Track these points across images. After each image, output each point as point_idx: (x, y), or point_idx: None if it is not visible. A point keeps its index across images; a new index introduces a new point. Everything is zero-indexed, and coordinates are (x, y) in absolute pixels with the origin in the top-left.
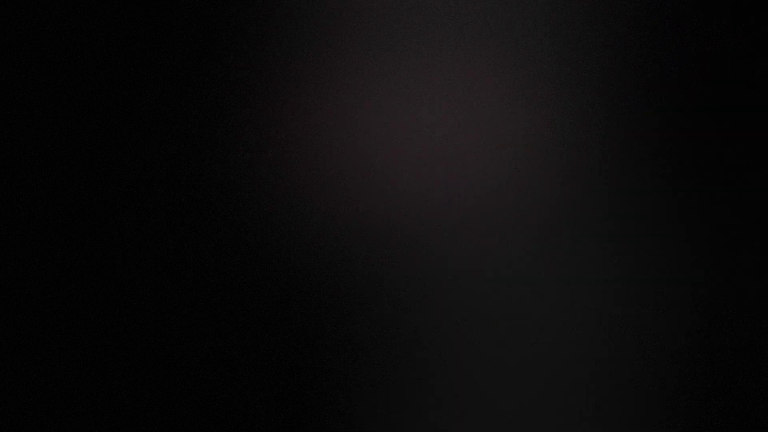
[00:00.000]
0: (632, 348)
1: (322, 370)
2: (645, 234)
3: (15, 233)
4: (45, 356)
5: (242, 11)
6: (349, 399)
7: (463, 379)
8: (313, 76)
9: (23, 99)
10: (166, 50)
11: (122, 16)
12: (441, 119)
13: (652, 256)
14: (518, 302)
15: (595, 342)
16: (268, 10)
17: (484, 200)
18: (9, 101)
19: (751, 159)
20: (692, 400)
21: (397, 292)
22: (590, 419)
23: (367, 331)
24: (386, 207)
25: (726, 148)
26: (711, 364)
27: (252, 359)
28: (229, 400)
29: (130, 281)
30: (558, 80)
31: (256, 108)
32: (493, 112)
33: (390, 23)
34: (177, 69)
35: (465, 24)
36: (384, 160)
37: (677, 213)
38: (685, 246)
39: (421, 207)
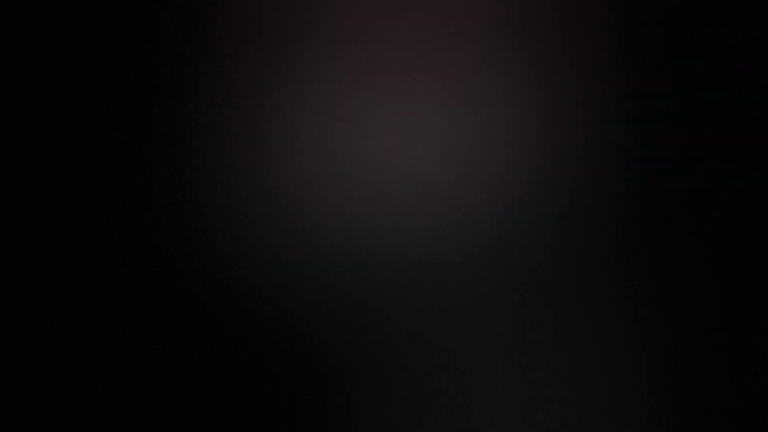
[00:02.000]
0: (631, 346)
1: (322, 370)
2: (643, 233)
3: (15, 233)
4: (45, 356)
5: (242, 10)
6: (349, 399)
7: (463, 380)
8: (312, 75)
9: (24, 98)
10: (166, 50)
11: (123, 15)
12: (441, 117)
13: (650, 255)
14: (516, 301)
15: (595, 343)
16: (268, 9)
17: (484, 200)
18: (9, 101)
19: (752, 159)
20: (692, 402)
21: (396, 290)
22: (590, 420)
23: (367, 331)
24: (386, 205)
25: (726, 148)
26: (711, 365)
27: (252, 359)
28: (229, 401)
29: (130, 281)
30: (555, 78)
31: (255, 107)
32: (493, 110)
33: (389, 22)
34: (177, 69)
35: (463, 21)
36: (384, 158)
37: (676, 213)
38: (683, 247)
39: (421, 205)
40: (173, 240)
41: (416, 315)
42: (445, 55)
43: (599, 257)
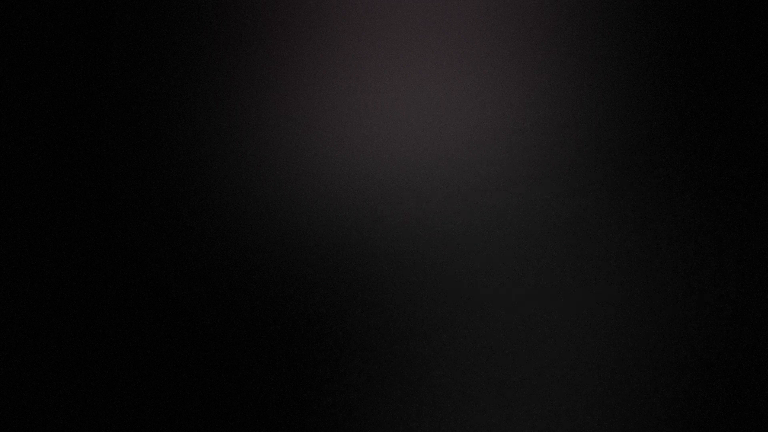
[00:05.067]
0: (631, 348)
1: (321, 370)
2: (643, 234)
3: (14, 233)
4: (45, 356)
5: (242, 9)
6: (348, 399)
7: (464, 379)
8: (312, 73)
9: (25, 98)
10: (166, 49)
11: (124, 13)
12: (443, 116)
13: (650, 258)
14: (514, 300)
15: (594, 344)
16: (268, 7)
17: (484, 199)
18: (9, 100)
19: (752, 160)
20: (694, 403)
21: (397, 290)
22: (590, 422)
23: (367, 330)
24: (386, 204)
25: (726, 149)
26: (712, 367)
27: (251, 359)
28: (229, 401)
29: (130, 280)
30: (554, 78)
31: (255, 105)
32: (493, 109)
33: (389, 20)
34: (177, 68)
35: (463, 19)
36: (384, 157)
37: (675, 214)
38: (683, 249)
39: (422, 205)
40: (173, 239)
41: (416, 312)
42: (452, 47)
43: (598, 257)
